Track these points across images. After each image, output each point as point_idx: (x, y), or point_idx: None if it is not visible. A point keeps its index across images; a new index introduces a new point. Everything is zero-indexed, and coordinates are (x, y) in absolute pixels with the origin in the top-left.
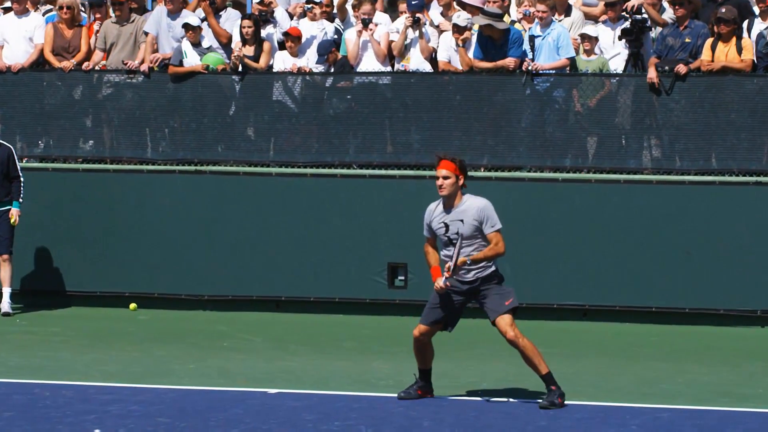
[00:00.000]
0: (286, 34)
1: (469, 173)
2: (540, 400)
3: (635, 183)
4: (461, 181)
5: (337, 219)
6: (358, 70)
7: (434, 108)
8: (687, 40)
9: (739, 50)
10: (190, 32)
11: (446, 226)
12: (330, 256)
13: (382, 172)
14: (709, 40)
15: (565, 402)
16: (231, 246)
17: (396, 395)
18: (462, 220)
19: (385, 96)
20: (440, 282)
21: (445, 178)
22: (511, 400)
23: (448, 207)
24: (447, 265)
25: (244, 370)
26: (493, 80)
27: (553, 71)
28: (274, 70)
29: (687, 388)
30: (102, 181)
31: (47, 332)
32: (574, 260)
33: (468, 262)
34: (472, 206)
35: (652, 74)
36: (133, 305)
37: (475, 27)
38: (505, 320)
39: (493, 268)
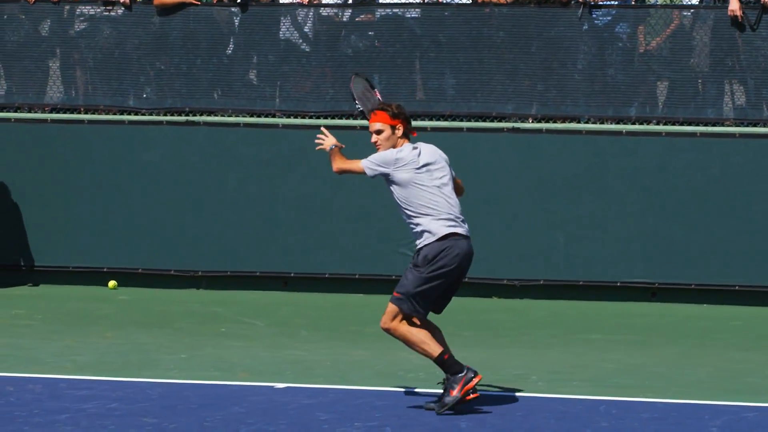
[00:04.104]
0: None
1: (516, 125)
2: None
3: (714, 136)
4: (399, 131)
5: (357, 180)
6: (382, 1)
7: (473, 47)
8: None
9: None
10: None
11: None
12: (348, 224)
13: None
14: None
15: (468, 386)
16: (230, 212)
17: (427, 389)
18: None
19: (414, 33)
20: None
21: (378, 132)
22: (565, 396)
23: None
24: None
25: (245, 360)
26: (543, 13)
27: (616, 2)
28: (280, 2)
29: None
30: (75, 134)
31: (9, 315)
32: (640, 229)
33: (329, 148)
34: None
35: (734, 6)
36: (112, 283)
37: None
38: (388, 307)
39: (422, 244)
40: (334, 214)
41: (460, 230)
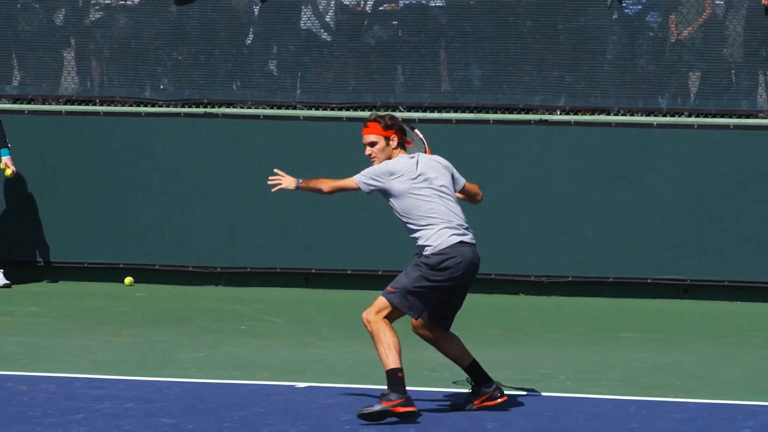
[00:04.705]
0: None
1: (544, 117)
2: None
3: (748, 129)
4: (394, 142)
5: None
6: None
7: (499, 37)
8: None
9: None
10: None
11: None
12: (371, 219)
13: (436, 115)
14: None
15: (401, 409)
16: (249, 207)
17: (451, 389)
18: None
19: (439, 22)
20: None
21: (372, 144)
22: (594, 396)
23: None
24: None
25: (265, 359)
26: (572, 2)
27: None
28: None
29: None
30: (90, 126)
31: (23, 312)
32: (672, 225)
33: (295, 185)
34: None
35: None
36: (128, 279)
37: None
38: (377, 299)
39: (423, 246)
40: (356, 209)
41: (464, 238)
